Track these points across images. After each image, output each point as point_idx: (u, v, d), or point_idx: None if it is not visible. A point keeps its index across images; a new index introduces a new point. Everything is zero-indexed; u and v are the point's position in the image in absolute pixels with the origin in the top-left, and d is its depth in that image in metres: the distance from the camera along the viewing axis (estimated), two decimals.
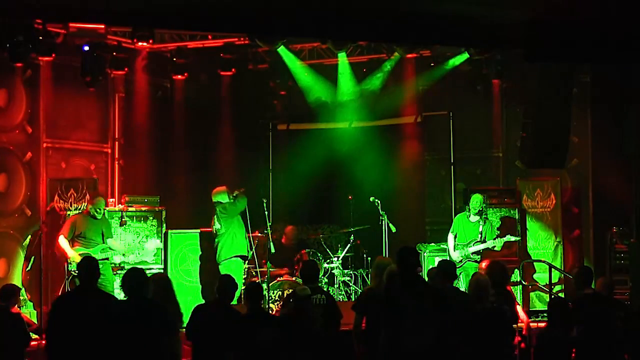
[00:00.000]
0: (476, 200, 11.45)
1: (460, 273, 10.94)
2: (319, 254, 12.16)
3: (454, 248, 11.37)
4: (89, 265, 7.23)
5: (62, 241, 10.82)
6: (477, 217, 11.41)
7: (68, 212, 11.86)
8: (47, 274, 11.64)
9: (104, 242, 10.95)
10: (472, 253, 11.25)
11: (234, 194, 11.52)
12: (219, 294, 7.61)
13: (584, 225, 13.29)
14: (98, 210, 10.98)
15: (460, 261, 11.24)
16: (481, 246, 11.26)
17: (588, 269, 8.81)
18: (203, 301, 10.73)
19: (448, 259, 11.39)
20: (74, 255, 10.68)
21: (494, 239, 11.30)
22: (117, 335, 6.83)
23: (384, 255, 11.54)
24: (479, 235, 11.30)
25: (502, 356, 7.40)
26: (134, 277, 7.06)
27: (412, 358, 6.91)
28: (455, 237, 11.44)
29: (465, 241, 11.34)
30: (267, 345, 7.20)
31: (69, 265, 10.74)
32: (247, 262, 11.59)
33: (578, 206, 13.35)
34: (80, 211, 11.52)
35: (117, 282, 10.48)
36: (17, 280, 11.58)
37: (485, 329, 7.30)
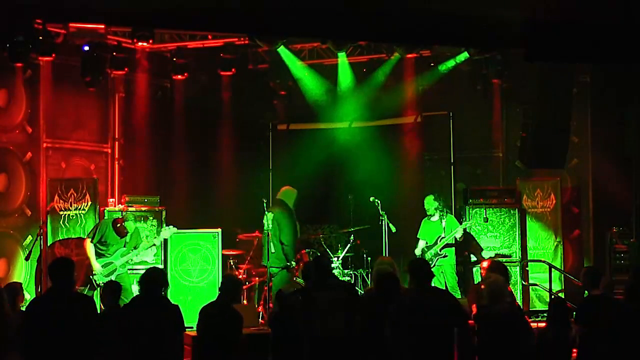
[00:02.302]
0: (427, 202, 11.85)
1: (441, 272, 11.50)
2: (319, 254, 12.13)
3: (424, 252, 11.63)
4: (63, 265, 7.07)
5: (90, 247, 10.59)
6: (438, 216, 11.76)
7: (68, 213, 11.89)
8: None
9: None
10: (441, 249, 11.57)
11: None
12: (222, 294, 7.71)
13: (584, 225, 13.28)
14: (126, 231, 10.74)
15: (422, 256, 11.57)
16: (446, 239, 11.59)
17: (596, 269, 8.68)
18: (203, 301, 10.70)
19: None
20: (97, 267, 10.50)
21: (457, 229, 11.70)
22: (126, 335, 6.96)
23: (383, 255, 11.56)
24: (443, 231, 11.62)
25: (522, 356, 7.34)
26: (152, 276, 7.24)
27: (326, 342, 7.39)
28: (426, 242, 11.74)
29: (433, 241, 11.66)
30: None
31: (93, 276, 10.49)
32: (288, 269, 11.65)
33: (578, 206, 13.34)
34: (112, 219, 11.07)
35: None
36: (16, 280, 11.57)
37: (504, 329, 7.28)
